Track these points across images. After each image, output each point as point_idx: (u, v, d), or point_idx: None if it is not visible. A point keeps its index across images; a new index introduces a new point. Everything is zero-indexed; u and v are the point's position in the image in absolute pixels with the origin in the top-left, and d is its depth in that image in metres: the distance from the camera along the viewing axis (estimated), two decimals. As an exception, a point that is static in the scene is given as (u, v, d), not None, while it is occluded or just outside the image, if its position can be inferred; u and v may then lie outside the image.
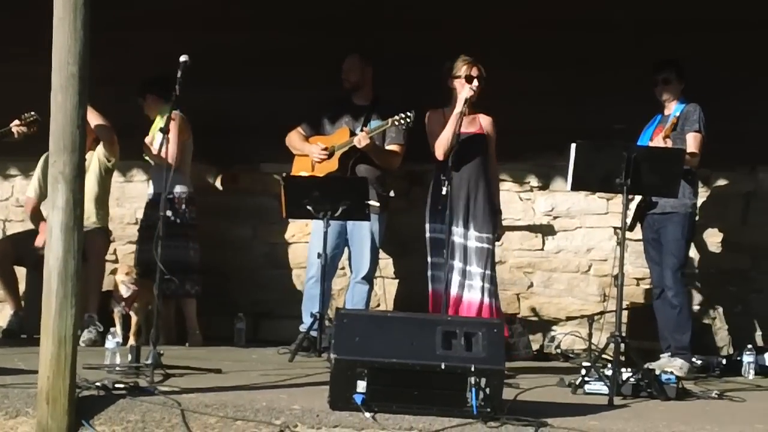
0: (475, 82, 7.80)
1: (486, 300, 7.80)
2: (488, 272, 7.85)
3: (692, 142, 8.03)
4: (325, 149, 8.70)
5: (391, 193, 8.88)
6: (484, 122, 8.00)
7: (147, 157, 8.99)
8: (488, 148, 8.02)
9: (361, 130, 8.64)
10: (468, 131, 7.84)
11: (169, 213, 8.43)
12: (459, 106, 7.71)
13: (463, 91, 7.76)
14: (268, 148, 9.16)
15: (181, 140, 8.74)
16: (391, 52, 8.96)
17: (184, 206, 8.93)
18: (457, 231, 7.82)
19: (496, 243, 8.10)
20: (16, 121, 8.45)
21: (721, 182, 9.15)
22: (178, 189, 8.88)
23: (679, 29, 8.75)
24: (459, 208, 7.82)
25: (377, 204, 8.55)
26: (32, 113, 8.33)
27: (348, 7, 9.18)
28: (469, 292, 7.79)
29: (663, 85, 8.20)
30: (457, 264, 7.80)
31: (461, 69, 7.86)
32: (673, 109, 8.16)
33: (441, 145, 7.75)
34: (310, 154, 8.77)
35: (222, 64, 9.15)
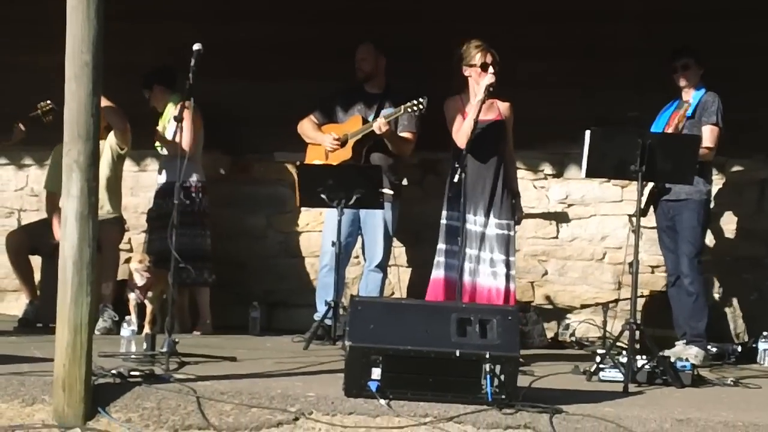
0: (490, 69, 7.76)
1: (511, 286, 7.78)
2: (511, 258, 7.82)
3: (708, 135, 7.99)
4: (338, 139, 8.70)
5: (404, 182, 8.89)
6: (502, 108, 7.94)
7: (159, 146, 9.00)
8: (506, 134, 7.99)
9: (374, 118, 8.63)
10: (487, 118, 7.81)
11: (186, 201, 8.58)
12: (480, 94, 7.65)
13: (484, 78, 7.68)
14: (281, 138, 9.17)
15: (195, 129, 8.78)
16: (401, 42, 8.95)
17: (200, 194, 8.96)
18: (477, 220, 7.78)
19: (516, 226, 8.06)
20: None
21: (737, 169, 9.12)
22: (194, 177, 8.91)
23: (694, 17, 8.71)
24: (479, 196, 7.78)
25: (391, 192, 8.55)
26: (48, 102, 8.34)
27: (363, 2, 9.18)
28: (495, 280, 7.74)
29: (682, 71, 8.15)
30: (474, 252, 7.77)
31: (475, 57, 7.80)
32: (691, 95, 8.12)
33: (463, 133, 7.68)
34: (323, 143, 8.77)
35: (234, 55, 9.16)
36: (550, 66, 8.93)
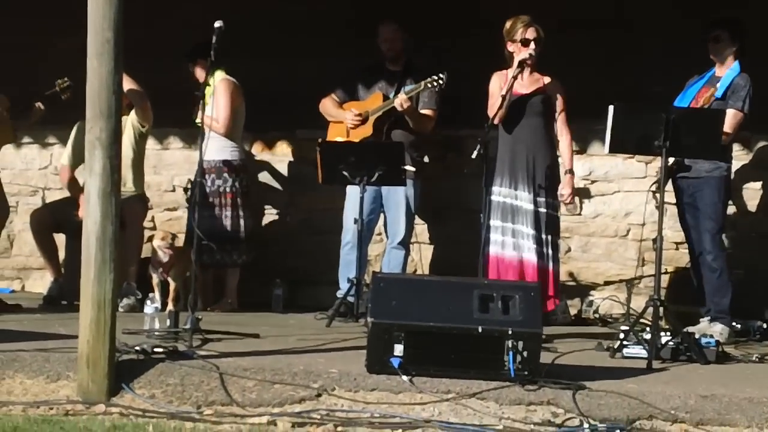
0: (532, 45, 7.70)
1: (549, 265, 7.75)
2: (549, 237, 7.78)
3: (730, 119, 7.81)
4: (359, 115, 8.69)
5: (426, 158, 8.87)
6: (548, 84, 7.89)
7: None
8: (550, 109, 7.92)
9: (395, 95, 8.62)
10: (527, 92, 7.76)
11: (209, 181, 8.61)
12: (513, 70, 7.64)
13: (520, 54, 7.66)
14: (304, 115, 9.16)
15: (233, 107, 8.80)
16: (424, 20, 8.92)
17: (234, 174, 8.98)
18: (518, 194, 7.74)
19: (568, 205, 8.01)
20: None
21: (762, 144, 9.08)
22: (230, 156, 8.95)
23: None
24: (518, 171, 7.74)
25: (413, 169, 8.55)
26: (65, 79, 8.35)
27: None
28: (533, 256, 7.71)
29: (713, 44, 8.00)
30: (521, 228, 7.72)
31: (518, 32, 7.75)
32: (725, 71, 8.00)
33: (491, 107, 7.67)
34: (344, 120, 8.77)
35: (257, 34, 9.15)
36: (574, 42, 8.88)
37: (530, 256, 7.70)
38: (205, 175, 8.54)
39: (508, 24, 7.78)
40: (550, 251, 7.76)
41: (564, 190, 7.81)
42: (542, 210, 7.75)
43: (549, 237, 7.76)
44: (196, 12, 8.60)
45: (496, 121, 7.61)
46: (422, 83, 8.32)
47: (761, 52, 8.08)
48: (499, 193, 7.74)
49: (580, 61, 8.85)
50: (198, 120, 8.80)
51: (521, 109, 7.72)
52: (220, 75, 8.82)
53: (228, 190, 8.92)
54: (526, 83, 7.77)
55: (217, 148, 8.78)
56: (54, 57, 8.34)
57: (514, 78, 7.59)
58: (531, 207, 7.72)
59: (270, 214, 9.73)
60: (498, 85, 7.80)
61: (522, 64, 7.60)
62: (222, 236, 8.73)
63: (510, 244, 7.71)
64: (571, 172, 7.88)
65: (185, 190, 9.28)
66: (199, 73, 8.89)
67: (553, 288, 7.83)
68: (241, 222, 9.01)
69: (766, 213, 9.12)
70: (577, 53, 8.90)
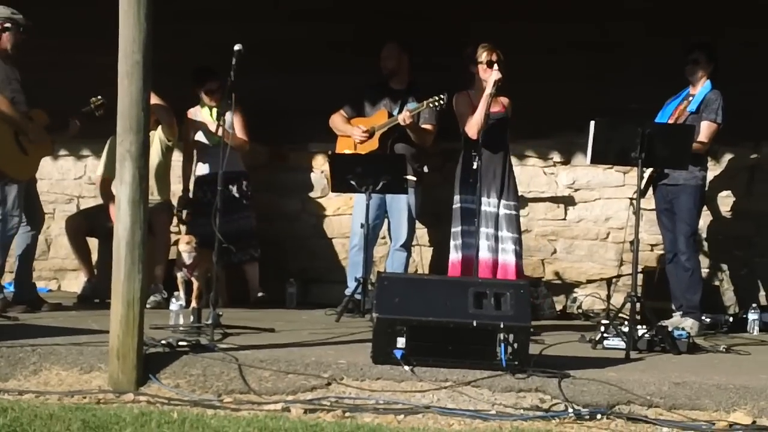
0: (496, 66, 7.72)
1: (519, 261, 7.78)
2: (518, 236, 7.81)
3: (705, 130, 7.90)
4: (366, 131, 8.69)
5: (425, 169, 8.87)
6: (505, 103, 7.95)
7: (210, 138, 9.00)
8: (508, 124, 7.96)
9: (398, 112, 8.62)
10: (494, 111, 7.80)
11: (234, 189, 8.70)
12: (489, 88, 7.62)
13: (492, 74, 7.67)
14: (315, 129, 9.15)
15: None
16: (422, 40, 8.91)
17: (244, 182, 9.02)
18: (491, 202, 7.77)
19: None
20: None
21: (728, 156, 9.08)
22: (239, 167, 8.99)
23: (691, 13, 8.64)
24: (491, 181, 7.77)
25: (414, 179, 8.56)
26: (99, 97, 8.34)
27: (392, 1, 9.15)
28: (504, 255, 7.74)
29: (692, 65, 8.04)
30: (490, 231, 7.75)
31: (482, 55, 7.80)
32: (699, 89, 8.02)
33: (475, 125, 7.66)
34: (352, 135, 8.76)
35: (273, 53, 9.13)
36: (559, 60, 8.87)
37: (498, 256, 7.73)
38: (211, 185, 8.69)
39: (470, 49, 7.83)
40: (515, 247, 7.75)
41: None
42: (506, 212, 7.77)
43: (513, 235, 7.77)
44: (218, 35, 8.57)
45: (476, 137, 7.62)
46: (424, 103, 8.31)
47: (730, 73, 8.10)
48: (465, 200, 7.77)
49: (566, 79, 8.83)
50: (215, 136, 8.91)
51: (492, 127, 7.73)
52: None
53: (241, 195, 8.94)
54: (492, 103, 7.78)
55: (239, 159, 8.90)
56: (89, 74, 8.31)
57: (491, 96, 7.60)
58: (503, 211, 7.77)
59: (284, 220, 9.70)
60: (464, 103, 7.86)
61: (496, 84, 7.62)
62: (236, 236, 8.75)
63: (484, 247, 7.71)
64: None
65: (179, 210, 9.19)
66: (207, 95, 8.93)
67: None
68: (251, 222, 9.05)
69: (733, 218, 9.10)
70: (564, 72, 8.88)
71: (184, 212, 9.02)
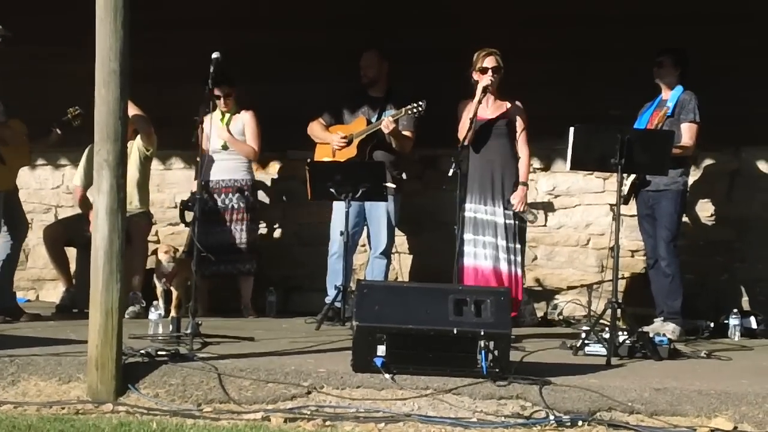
0: (490, 72, 7.74)
1: (518, 270, 7.77)
2: (516, 246, 7.80)
3: (686, 132, 7.96)
4: (344, 138, 8.69)
5: (404, 176, 8.88)
6: (510, 108, 7.94)
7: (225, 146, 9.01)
8: (513, 131, 7.94)
9: (377, 119, 8.63)
10: (492, 116, 7.80)
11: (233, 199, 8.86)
12: (477, 95, 7.68)
13: (482, 80, 7.72)
14: (294, 137, 9.14)
15: (261, 134, 8.96)
16: (404, 47, 8.93)
17: (249, 193, 9.04)
18: (487, 209, 7.77)
19: (528, 217, 8.00)
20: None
21: (709, 162, 9.12)
22: (248, 176, 9.02)
23: (670, 22, 8.70)
24: (487, 187, 7.77)
25: (393, 186, 8.57)
26: (76, 107, 8.33)
27: (365, 6, 9.15)
28: (498, 265, 7.74)
29: (657, 68, 8.13)
30: (489, 239, 7.75)
31: (479, 61, 7.81)
32: (670, 94, 8.08)
33: (460, 130, 7.72)
34: (331, 142, 8.76)
35: (251, 61, 9.12)
36: (539, 67, 8.90)
37: (500, 265, 7.72)
38: (222, 193, 8.86)
39: (474, 56, 7.82)
40: (517, 258, 7.76)
41: (514, 199, 7.83)
42: (509, 222, 7.77)
43: (516, 246, 7.77)
44: (196, 42, 8.56)
45: (465, 143, 7.64)
46: (403, 110, 8.32)
47: (709, 78, 8.15)
48: (470, 209, 7.77)
49: (546, 86, 8.86)
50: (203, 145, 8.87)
51: (488, 133, 7.78)
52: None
53: (243, 206, 8.94)
54: (492, 109, 7.83)
55: (245, 169, 8.97)
56: (66, 83, 8.29)
57: (479, 102, 7.63)
58: (500, 220, 7.75)
59: (264, 228, 9.69)
60: (461, 109, 7.86)
61: (485, 90, 7.64)
62: (232, 248, 8.77)
63: (482, 255, 7.72)
64: (524, 184, 7.90)
65: (182, 210, 9.13)
66: (232, 99, 8.94)
67: (520, 292, 7.86)
68: (247, 234, 8.99)
69: (713, 223, 9.14)
70: (543, 80, 8.90)
71: (187, 213, 8.87)
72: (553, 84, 8.93)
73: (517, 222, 7.81)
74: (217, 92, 8.68)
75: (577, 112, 8.27)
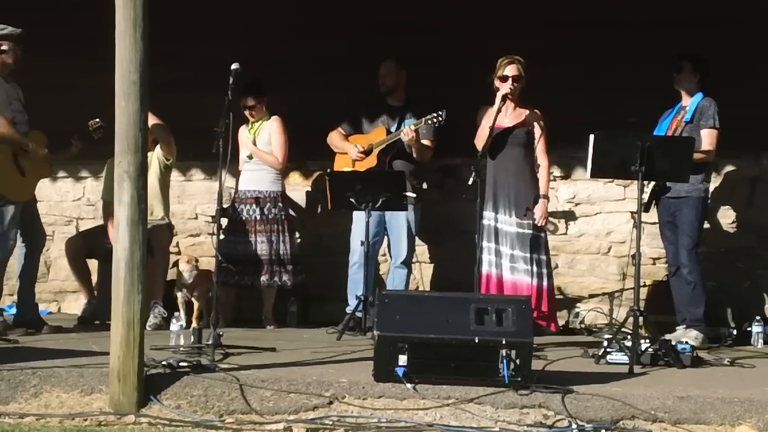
0: (510, 81, 7.75)
1: (542, 283, 7.77)
2: (534, 256, 7.80)
3: (706, 138, 7.94)
4: (363, 151, 8.69)
5: (425, 185, 8.88)
6: (528, 116, 7.95)
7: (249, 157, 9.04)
8: (532, 140, 7.94)
9: (396, 129, 8.65)
10: (510, 125, 7.81)
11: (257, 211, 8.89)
12: (496, 103, 7.69)
13: (502, 88, 7.74)
14: (313, 147, 9.15)
15: (288, 144, 8.98)
16: (420, 56, 8.93)
17: (279, 203, 9.04)
18: (504, 219, 7.79)
19: (548, 228, 8.00)
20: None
21: (729, 168, 9.08)
22: (278, 187, 9.04)
23: (688, 26, 8.66)
24: (502, 196, 7.78)
25: (413, 195, 8.56)
26: (97, 120, 8.36)
27: (383, 16, 9.16)
28: (512, 275, 7.75)
29: (676, 74, 8.10)
30: (503, 249, 7.77)
31: (500, 69, 7.84)
32: (689, 100, 8.06)
33: (479, 138, 7.73)
34: (349, 153, 8.77)
35: (271, 71, 9.14)
36: (558, 74, 8.88)
37: (518, 276, 7.74)
38: (252, 203, 8.91)
39: (498, 63, 7.84)
40: (539, 269, 7.76)
41: (536, 214, 7.83)
42: (527, 231, 7.78)
43: (536, 256, 7.77)
44: (215, 53, 8.60)
45: (481, 150, 7.65)
46: (423, 119, 8.32)
47: (726, 85, 8.12)
48: (488, 217, 7.78)
49: (566, 93, 8.84)
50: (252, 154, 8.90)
51: (505, 141, 7.81)
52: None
53: (278, 216, 8.96)
54: (511, 117, 7.86)
55: (271, 180, 8.98)
56: (87, 95, 8.32)
57: (498, 111, 7.64)
58: (514, 229, 7.79)
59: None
60: (480, 116, 7.87)
61: (504, 98, 7.65)
62: (280, 259, 8.79)
63: (498, 264, 7.73)
64: (545, 197, 7.90)
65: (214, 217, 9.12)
66: (262, 108, 8.98)
67: (547, 303, 7.86)
68: (293, 244, 9.06)
69: (735, 230, 9.10)
70: (564, 86, 8.88)
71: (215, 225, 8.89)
72: (572, 91, 8.90)
73: (536, 232, 7.81)
74: (245, 103, 8.75)
75: (596, 119, 8.25)
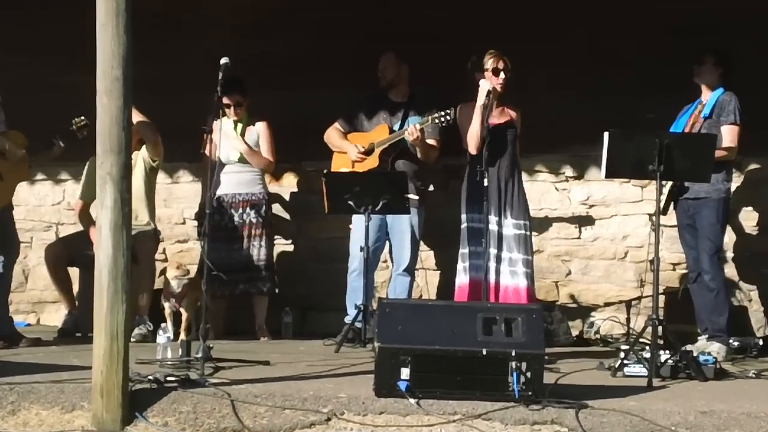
0: (501, 75, 7.77)
1: (530, 284, 7.79)
2: (529, 258, 7.83)
3: (728, 135, 7.90)
4: (363, 151, 8.68)
5: (430, 188, 8.87)
6: (513, 114, 7.97)
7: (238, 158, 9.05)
8: (516, 137, 7.98)
9: (399, 126, 8.64)
10: (498, 122, 7.82)
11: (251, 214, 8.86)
12: (480, 99, 7.68)
13: (492, 82, 7.74)
14: (309, 147, 9.15)
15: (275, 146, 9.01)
16: (421, 52, 8.93)
17: (266, 208, 9.08)
18: (493, 219, 7.79)
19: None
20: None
21: (753, 167, 9.08)
22: (265, 189, 9.06)
23: (711, 21, 8.66)
24: (494, 198, 7.79)
25: (416, 197, 8.54)
26: (82, 118, 8.34)
27: (381, 12, 9.16)
28: (513, 279, 7.75)
29: (697, 66, 8.07)
30: (496, 252, 7.77)
31: (488, 62, 7.85)
32: (709, 96, 8.05)
33: (471, 138, 7.75)
34: (349, 153, 8.76)
35: (263, 68, 9.14)
36: (571, 71, 8.89)
37: (505, 279, 7.75)
38: (231, 208, 8.90)
39: (475, 57, 7.88)
40: (525, 270, 7.76)
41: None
42: (518, 232, 7.79)
43: (523, 257, 7.78)
44: (207, 50, 8.59)
45: (474, 152, 7.65)
46: (429, 118, 8.28)
47: (751, 83, 8.11)
48: (472, 219, 7.79)
49: (579, 91, 8.84)
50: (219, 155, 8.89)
51: (492, 139, 7.74)
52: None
53: (260, 221, 8.96)
54: (496, 114, 7.83)
55: (251, 181, 8.99)
56: (67, 93, 8.33)
57: (485, 107, 7.63)
58: (505, 230, 7.78)
59: (279, 244, 9.68)
60: (466, 115, 7.91)
61: (490, 93, 7.64)
62: (245, 266, 8.79)
63: (500, 270, 7.73)
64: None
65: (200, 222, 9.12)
66: (243, 108, 8.99)
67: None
68: (272, 251, 9.06)
69: (759, 233, 9.10)
70: (577, 83, 8.88)
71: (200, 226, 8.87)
72: (584, 88, 8.90)
73: (524, 232, 7.82)
74: (226, 101, 8.70)
75: (611, 116, 8.26)
